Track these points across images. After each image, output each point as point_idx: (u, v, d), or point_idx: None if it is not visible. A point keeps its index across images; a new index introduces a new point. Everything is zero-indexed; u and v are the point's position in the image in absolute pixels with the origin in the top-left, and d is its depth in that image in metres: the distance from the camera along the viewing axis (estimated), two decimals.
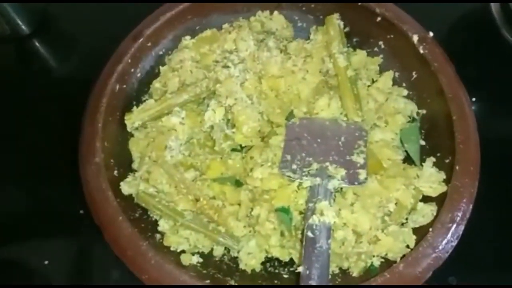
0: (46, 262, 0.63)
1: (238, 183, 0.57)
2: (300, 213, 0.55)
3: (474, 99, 0.72)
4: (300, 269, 0.48)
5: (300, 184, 0.55)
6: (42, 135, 0.73)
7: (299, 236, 0.54)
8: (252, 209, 0.55)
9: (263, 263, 0.56)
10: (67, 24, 0.84)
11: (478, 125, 0.56)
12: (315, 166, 0.55)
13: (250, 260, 0.55)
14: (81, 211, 0.63)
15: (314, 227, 0.50)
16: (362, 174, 0.55)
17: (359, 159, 0.56)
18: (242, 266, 0.56)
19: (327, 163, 0.55)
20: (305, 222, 0.52)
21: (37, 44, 0.82)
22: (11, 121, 0.75)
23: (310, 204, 0.52)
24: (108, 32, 0.64)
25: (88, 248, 0.65)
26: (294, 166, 0.55)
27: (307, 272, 0.48)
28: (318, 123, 0.59)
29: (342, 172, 0.54)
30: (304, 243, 0.50)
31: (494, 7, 0.72)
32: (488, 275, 0.62)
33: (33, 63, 0.82)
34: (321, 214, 0.51)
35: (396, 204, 0.55)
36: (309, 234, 0.50)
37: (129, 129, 0.61)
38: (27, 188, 0.70)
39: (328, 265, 0.48)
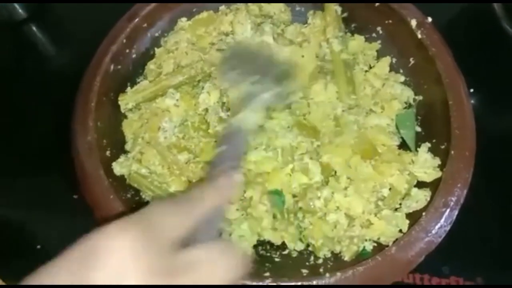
0: (38, 247, 0.62)
1: None
2: (293, 196, 0.54)
3: (472, 90, 0.71)
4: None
5: (294, 167, 0.54)
6: (36, 119, 0.72)
7: (292, 219, 0.53)
8: (245, 191, 0.55)
9: (255, 247, 0.56)
10: (65, 8, 0.83)
11: (477, 117, 0.55)
12: (256, 78, 0.50)
13: (242, 243, 0.55)
14: (75, 196, 0.62)
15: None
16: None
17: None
18: None
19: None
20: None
21: (34, 28, 0.81)
22: (6, 105, 0.74)
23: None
24: (108, 17, 0.63)
25: (81, 232, 0.64)
26: (233, 76, 0.51)
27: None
28: (252, 49, 0.58)
29: (278, 88, 0.51)
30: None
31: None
32: (482, 266, 0.61)
33: (30, 47, 0.81)
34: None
35: (390, 189, 0.54)
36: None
37: (122, 110, 0.60)
38: (20, 173, 0.69)
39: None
